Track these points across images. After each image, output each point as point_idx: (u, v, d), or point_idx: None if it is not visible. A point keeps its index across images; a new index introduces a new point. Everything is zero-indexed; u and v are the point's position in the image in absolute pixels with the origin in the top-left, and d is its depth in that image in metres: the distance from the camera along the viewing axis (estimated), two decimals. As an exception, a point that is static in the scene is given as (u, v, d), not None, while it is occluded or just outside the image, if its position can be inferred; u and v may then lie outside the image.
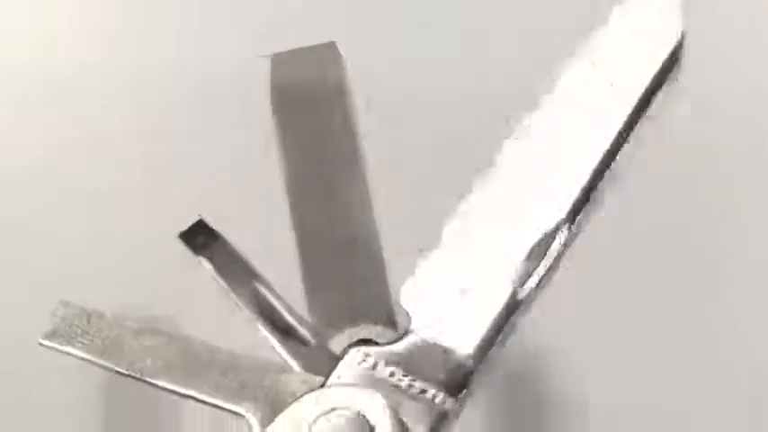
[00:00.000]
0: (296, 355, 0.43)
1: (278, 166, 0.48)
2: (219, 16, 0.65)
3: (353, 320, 0.45)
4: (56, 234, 0.54)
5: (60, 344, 0.42)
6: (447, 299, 0.41)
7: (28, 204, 0.56)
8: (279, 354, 0.43)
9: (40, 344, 0.42)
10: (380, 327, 0.45)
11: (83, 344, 0.42)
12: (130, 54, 0.65)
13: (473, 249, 0.42)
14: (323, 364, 0.42)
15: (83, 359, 0.42)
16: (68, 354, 0.42)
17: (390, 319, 0.45)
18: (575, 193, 0.43)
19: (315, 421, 0.38)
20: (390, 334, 0.45)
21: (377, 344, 0.41)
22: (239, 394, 0.40)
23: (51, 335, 0.42)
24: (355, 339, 0.44)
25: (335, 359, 0.42)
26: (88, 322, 0.42)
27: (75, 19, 0.72)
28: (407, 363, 0.40)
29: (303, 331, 0.43)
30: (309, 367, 0.42)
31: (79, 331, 0.42)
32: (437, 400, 0.39)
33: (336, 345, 0.44)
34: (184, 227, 0.46)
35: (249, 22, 0.62)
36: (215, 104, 0.57)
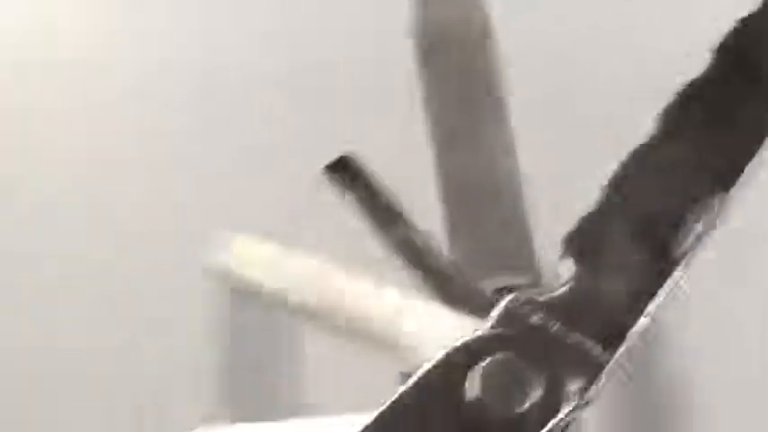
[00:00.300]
0: (443, 295, 0.42)
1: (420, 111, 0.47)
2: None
3: (496, 267, 0.45)
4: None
5: (221, 272, 0.41)
6: (605, 252, 0.41)
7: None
8: (427, 292, 0.42)
9: (204, 271, 0.41)
10: (523, 274, 0.44)
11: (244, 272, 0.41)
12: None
13: (632, 203, 0.42)
14: (473, 306, 0.41)
15: (244, 289, 0.41)
16: (232, 282, 0.41)
17: (533, 268, 0.45)
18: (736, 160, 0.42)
19: (475, 363, 0.38)
20: (533, 282, 0.45)
21: (528, 292, 0.41)
22: (392, 329, 0.40)
23: (215, 263, 0.41)
24: (502, 285, 0.44)
25: (485, 303, 0.41)
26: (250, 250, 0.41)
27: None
28: (564, 313, 0.39)
29: (451, 272, 0.43)
30: (458, 308, 0.42)
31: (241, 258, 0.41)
32: (594, 353, 0.39)
33: (483, 288, 0.43)
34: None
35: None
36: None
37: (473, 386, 0.38)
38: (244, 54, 0.75)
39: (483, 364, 0.38)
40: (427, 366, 0.38)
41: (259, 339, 0.69)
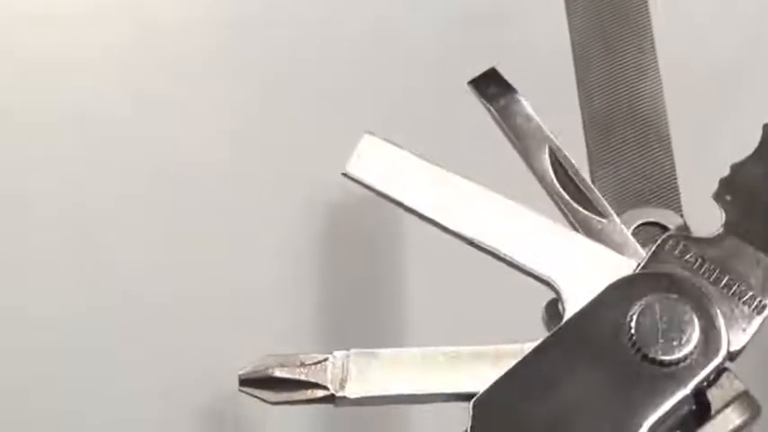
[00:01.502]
0: (587, 227, 0.42)
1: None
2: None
3: (640, 201, 0.44)
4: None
5: (364, 177, 0.40)
6: (762, 201, 0.40)
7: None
8: (571, 222, 0.42)
9: (343, 174, 0.40)
10: (669, 212, 0.44)
11: (387, 180, 0.40)
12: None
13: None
14: (618, 242, 0.41)
15: (385, 196, 0.40)
16: (371, 188, 0.40)
17: (678, 207, 0.44)
18: None
19: (637, 304, 0.37)
20: (680, 223, 0.44)
21: (680, 233, 0.40)
22: (547, 261, 0.39)
23: (354, 166, 0.40)
24: (645, 220, 0.43)
25: (631, 240, 0.41)
26: (392, 158, 0.40)
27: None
28: (723, 260, 0.39)
29: (596, 203, 0.42)
30: (603, 241, 0.41)
31: (383, 165, 0.40)
32: (753, 303, 0.38)
33: (625, 224, 0.42)
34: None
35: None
36: None
37: (630, 329, 0.37)
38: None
39: (640, 305, 0.37)
40: (583, 306, 0.38)
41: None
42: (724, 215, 0.40)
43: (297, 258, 0.68)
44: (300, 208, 0.69)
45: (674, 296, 0.37)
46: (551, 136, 0.43)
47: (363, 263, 0.69)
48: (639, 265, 0.39)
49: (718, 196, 0.40)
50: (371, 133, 0.40)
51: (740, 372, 0.38)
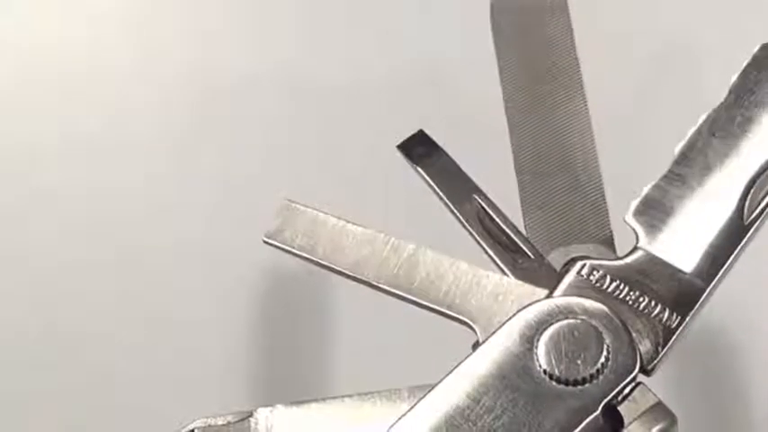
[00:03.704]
0: (514, 268, 0.43)
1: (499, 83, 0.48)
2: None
3: (571, 239, 0.45)
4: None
5: (282, 243, 0.42)
6: (675, 218, 0.41)
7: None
8: (498, 265, 0.43)
9: (264, 241, 0.42)
10: (598, 246, 0.44)
11: (306, 243, 0.42)
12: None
13: (702, 173, 0.41)
14: (542, 277, 0.42)
15: (306, 258, 0.42)
16: (290, 253, 0.42)
17: (608, 240, 0.45)
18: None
19: (543, 329, 0.38)
20: (608, 253, 0.44)
21: (598, 260, 0.41)
22: (463, 302, 0.40)
23: (274, 234, 0.42)
24: (573, 255, 0.44)
25: (555, 274, 0.42)
26: (311, 221, 0.42)
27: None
28: (635, 279, 0.39)
29: (522, 245, 0.43)
30: (528, 280, 0.42)
31: (302, 229, 0.42)
32: (664, 318, 0.39)
33: (554, 262, 0.43)
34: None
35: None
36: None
37: (538, 352, 0.38)
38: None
39: (552, 329, 0.38)
40: (493, 334, 0.39)
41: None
42: (639, 235, 0.40)
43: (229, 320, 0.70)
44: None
45: (581, 318, 0.38)
46: (478, 186, 0.44)
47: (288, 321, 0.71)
48: (554, 294, 0.40)
49: (633, 216, 0.41)
50: (290, 200, 0.42)
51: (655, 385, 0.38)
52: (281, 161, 0.68)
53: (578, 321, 0.38)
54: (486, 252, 0.43)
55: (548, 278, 0.41)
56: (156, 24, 0.75)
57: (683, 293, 0.39)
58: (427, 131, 0.45)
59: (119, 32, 0.75)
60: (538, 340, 0.38)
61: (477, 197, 0.44)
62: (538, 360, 0.38)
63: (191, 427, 0.39)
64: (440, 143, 0.45)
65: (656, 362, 0.38)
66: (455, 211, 0.44)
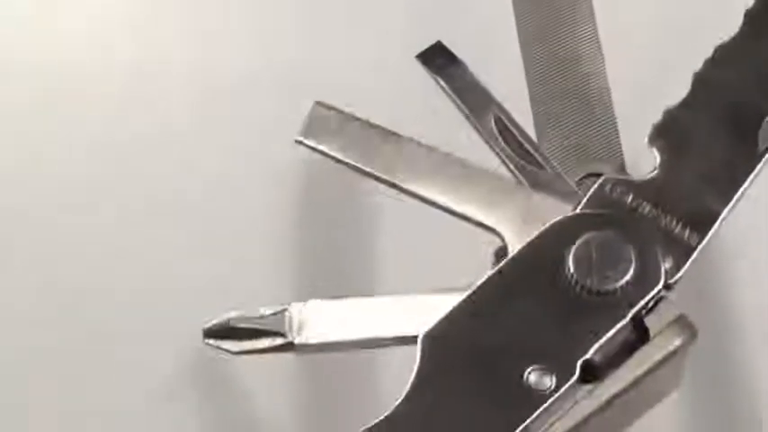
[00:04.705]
0: (532, 182, 0.44)
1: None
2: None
3: (582, 160, 0.46)
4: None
5: (315, 143, 0.43)
6: (692, 143, 0.42)
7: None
8: (517, 178, 0.44)
9: (296, 141, 0.43)
10: (609, 161, 0.46)
11: (337, 144, 0.43)
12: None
13: (718, 96, 0.43)
14: (561, 191, 0.43)
15: (336, 159, 0.42)
16: (322, 153, 0.43)
17: (620, 164, 0.46)
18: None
19: (573, 241, 0.39)
20: (618, 168, 0.46)
21: (618, 176, 0.42)
22: (492, 210, 0.42)
23: (306, 133, 0.43)
24: (587, 172, 0.45)
25: (573, 188, 0.43)
26: (341, 123, 0.43)
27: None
28: (655, 197, 0.41)
29: (539, 158, 0.44)
30: (547, 193, 0.43)
31: (333, 130, 0.43)
32: (685, 236, 0.40)
33: (568, 175, 0.45)
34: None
35: None
36: None
37: (569, 264, 0.39)
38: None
39: (578, 242, 0.40)
40: (525, 244, 0.40)
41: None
42: (658, 157, 0.42)
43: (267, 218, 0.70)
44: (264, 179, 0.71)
45: (610, 232, 0.40)
46: (497, 99, 0.45)
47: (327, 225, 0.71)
48: (577, 207, 0.41)
49: (651, 140, 0.42)
50: (320, 102, 0.43)
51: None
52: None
53: (608, 234, 0.39)
54: (506, 164, 0.44)
55: (567, 193, 0.43)
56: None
57: (702, 214, 0.41)
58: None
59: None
60: (569, 252, 0.39)
61: (496, 108, 0.45)
62: (569, 270, 0.39)
63: (226, 317, 0.40)
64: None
65: (677, 277, 0.40)
66: (474, 122, 0.45)
